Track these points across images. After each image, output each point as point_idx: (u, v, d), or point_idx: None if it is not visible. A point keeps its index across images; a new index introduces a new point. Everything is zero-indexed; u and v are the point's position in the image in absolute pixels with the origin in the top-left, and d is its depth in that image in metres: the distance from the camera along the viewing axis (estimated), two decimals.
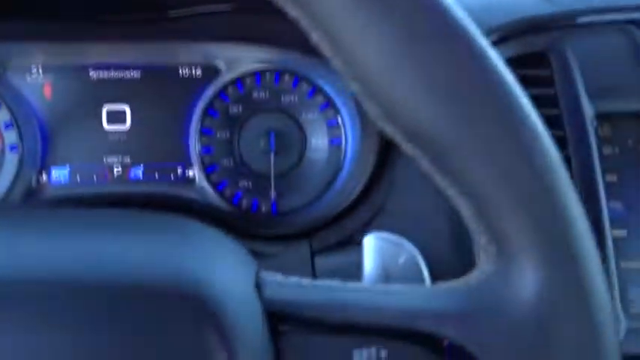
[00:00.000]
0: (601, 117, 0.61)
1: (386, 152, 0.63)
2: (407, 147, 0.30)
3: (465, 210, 0.33)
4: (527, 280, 0.31)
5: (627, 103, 0.62)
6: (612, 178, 0.63)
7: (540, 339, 0.31)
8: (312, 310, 0.32)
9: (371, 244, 0.38)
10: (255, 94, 0.69)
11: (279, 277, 0.34)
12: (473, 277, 0.33)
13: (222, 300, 0.29)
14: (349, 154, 0.68)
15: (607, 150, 0.65)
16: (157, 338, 0.28)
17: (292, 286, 0.33)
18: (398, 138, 0.30)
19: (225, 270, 0.32)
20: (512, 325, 0.31)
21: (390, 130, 0.30)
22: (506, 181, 0.31)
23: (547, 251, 0.31)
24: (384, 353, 0.31)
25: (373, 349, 0.31)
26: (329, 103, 0.69)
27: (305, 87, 0.69)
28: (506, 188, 0.31)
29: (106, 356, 0.27)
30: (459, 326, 0.31)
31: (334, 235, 0.64)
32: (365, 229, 0.63)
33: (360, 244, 0.54)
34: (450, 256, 0.59)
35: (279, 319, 0.31)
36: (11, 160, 0.66)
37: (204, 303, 0.29)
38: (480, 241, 0.33)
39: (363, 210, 0.64)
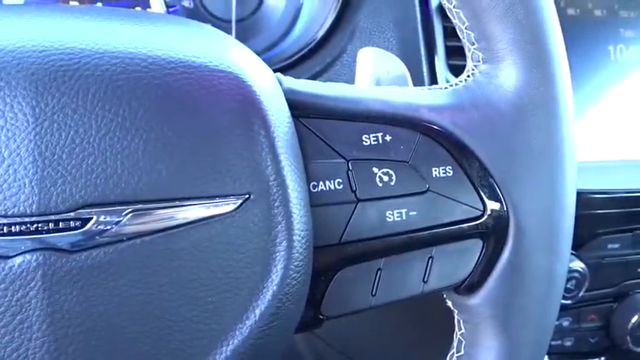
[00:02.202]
0: None
1: (348, 1, 0.66)
2: None
3: (462, 21, 0.37)
4: (509, 77, 0.37)
5: None
6: None
7: (517, 123, 0.37)
8: (328, 100, 0.36)
9: (365, 55, 0.42)
10: None
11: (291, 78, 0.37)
12: (463, 79, 0.38)
13: (260, 80, 0.33)
14: (307, 2, 0.70)
15: None
16: (203, 110, 0.31)
17: (307, 83, 0.37)
18: None
19: (255, 60, 0.35)
20: (496, 113, 0.37)
21: None
22: None
23: (526, 53, 0.36)
24: (388, 137, 0.36)
25: (380, 134, 0.36)
26: None
27: None
28: (499, 1, 0.36)
29: (156, 117, 0.30)
30: (453, 116, 0.37)
31: (296, 77, 0.67)
32: (325, 71, 0.66)
33: None
34: None
35: (298, 107, 0.35)
36: None
37: (245, 80, 0.32)
38: (472, 49, 0.38)
39: (324, 54, 0.67)
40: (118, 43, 0.31)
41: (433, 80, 0.63)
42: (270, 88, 0.33)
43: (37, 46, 0.30)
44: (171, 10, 0.69)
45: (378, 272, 0.36)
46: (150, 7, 0.69)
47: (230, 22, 0.70)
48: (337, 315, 0.36)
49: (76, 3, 0.68)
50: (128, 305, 0.30)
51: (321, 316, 0.36)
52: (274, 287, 0.32)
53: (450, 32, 0.66)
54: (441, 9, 0.65)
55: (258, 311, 0.32)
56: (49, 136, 0.29)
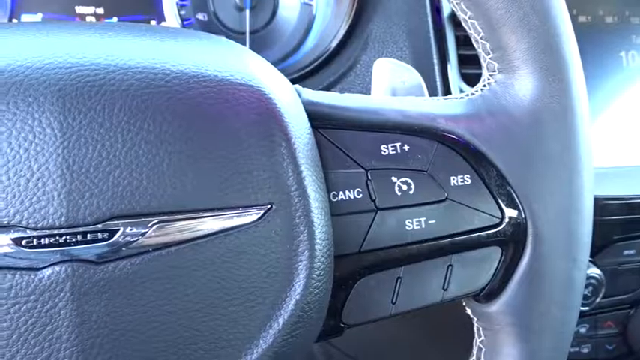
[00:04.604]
0: None
1: (361, 12, 0.67)
2: None
3: (477, 32, 0.38)
4: (525, 86, 0.37)
5: None
6: None
7: (534, 131, 0.37)
8: (347, 111, 0.36)
9: (381, 66, 0.42)
10: None
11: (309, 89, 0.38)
12: (478, 89, 0.39)
13: (279, 92, 0.33)
14: (319, 14, 0.71)
15: None
16: (225, 123, 0.32)
17: (326, 95, 0.37)
18: None
19: (274, 73, 0.35)
20: (513, 122, 0.37)
21: None
22: (512, 5, 0.37)
23: (542, 62, 0.37)
24: (406, 147, 0.36)
25: (398, 144, 0.36)
26: None
27: None
28: (513, 11, 0.36)
29: (179, 130, 0.31)
30: (470, 125, 0.37)
31: (311, 87, 0.68)
32: (339, 81, 0.67)
33: None
34: None
35: (317, 118, 0.36)
36: None
37: (265, 92, 0.33)
38: (487, 59, 0.38)
39: (338, 65, 0.68)
40: (141, 59, 0.32)
41: (446, 89, 0.64)
42: (289, 100, 0.34)
43: (64, 63, 0.31)
44: (186, 23, 0.70)
45: (398, 280, 0.36)
46: (165, 20, 0.70)
47: (244, 34, 0.71)
48: (358, 323, 0.36)
49: (93, 19, 0.69)
50: (154, 315, 0.30)
51: (341, 325, 0.36)
52: (297, 296, 0.32)
53: (463, 41, 0.66)
54: (453, 18, 0.66)
55: (281, 320, 0.32)
56: (77, 150, 0.30)
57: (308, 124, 0.34)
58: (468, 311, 0.40)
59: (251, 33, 0.71)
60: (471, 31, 0.38)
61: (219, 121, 0.32)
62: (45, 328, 0.29)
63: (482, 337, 0.39)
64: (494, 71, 0.38)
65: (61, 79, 0.30)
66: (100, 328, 0.30)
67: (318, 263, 0.33)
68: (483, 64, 0.39)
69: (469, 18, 0.38)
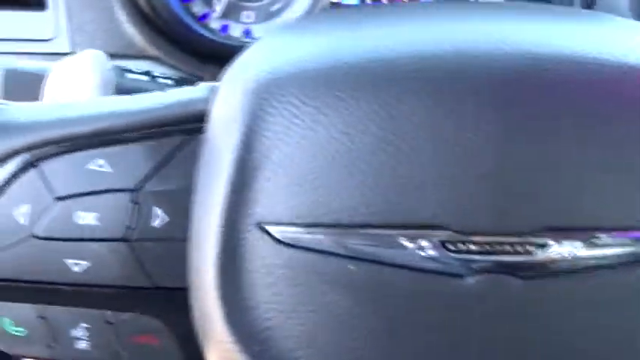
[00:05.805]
0: None
1: None
2: None
3: None
4: None
5: None
6: None
7: None
8: None
9: None
10: None
11: None
12: None
13: None
14: None
15: None
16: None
17: None
18: None
19: None
20: None
21: None
22: None
23: None
24: None
25: None
26: None
27: None
28: None
29: (621, 133, 0.27)
30: None
31: None
32: None
33: None
34: None
35: None
36: None
37: None
38: None
39: None
40: (578, 46, 0.28)
41: None
42: None
43: (496, 50, 0.27)
44: None
45: None
46: None
47: None
48: None
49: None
50: (575, 350, 0.27)
51: None
52: None
53: None
54: None
55: None
56: (513, 150, 0.26)
57: None
58: None
59: None
60: None
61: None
62: (454, 341, 0.27)
63: None
64: None
65: (497, 67, 0.27)
66: (507, 351, 0.27)
67: None
68: None
69: None
